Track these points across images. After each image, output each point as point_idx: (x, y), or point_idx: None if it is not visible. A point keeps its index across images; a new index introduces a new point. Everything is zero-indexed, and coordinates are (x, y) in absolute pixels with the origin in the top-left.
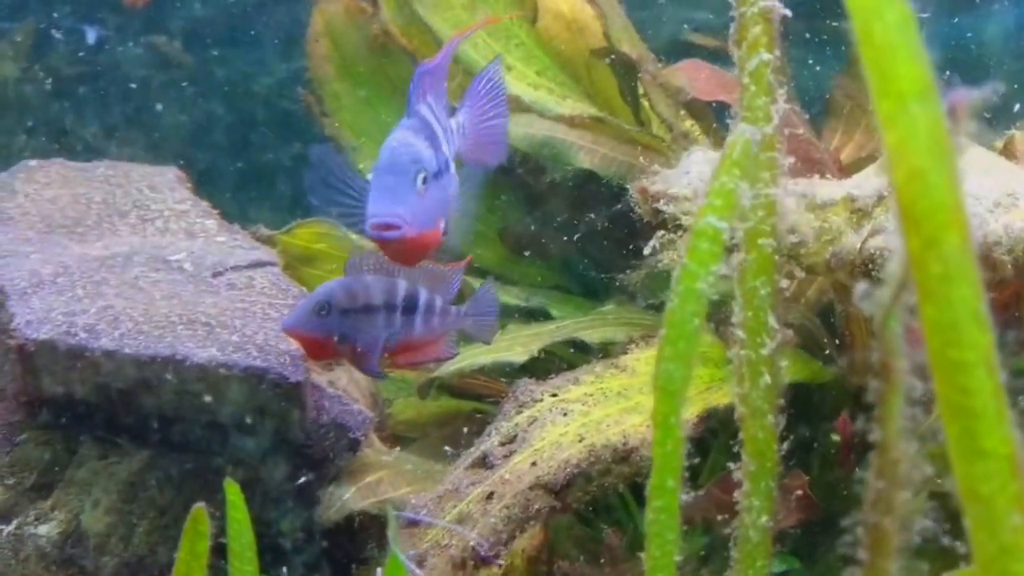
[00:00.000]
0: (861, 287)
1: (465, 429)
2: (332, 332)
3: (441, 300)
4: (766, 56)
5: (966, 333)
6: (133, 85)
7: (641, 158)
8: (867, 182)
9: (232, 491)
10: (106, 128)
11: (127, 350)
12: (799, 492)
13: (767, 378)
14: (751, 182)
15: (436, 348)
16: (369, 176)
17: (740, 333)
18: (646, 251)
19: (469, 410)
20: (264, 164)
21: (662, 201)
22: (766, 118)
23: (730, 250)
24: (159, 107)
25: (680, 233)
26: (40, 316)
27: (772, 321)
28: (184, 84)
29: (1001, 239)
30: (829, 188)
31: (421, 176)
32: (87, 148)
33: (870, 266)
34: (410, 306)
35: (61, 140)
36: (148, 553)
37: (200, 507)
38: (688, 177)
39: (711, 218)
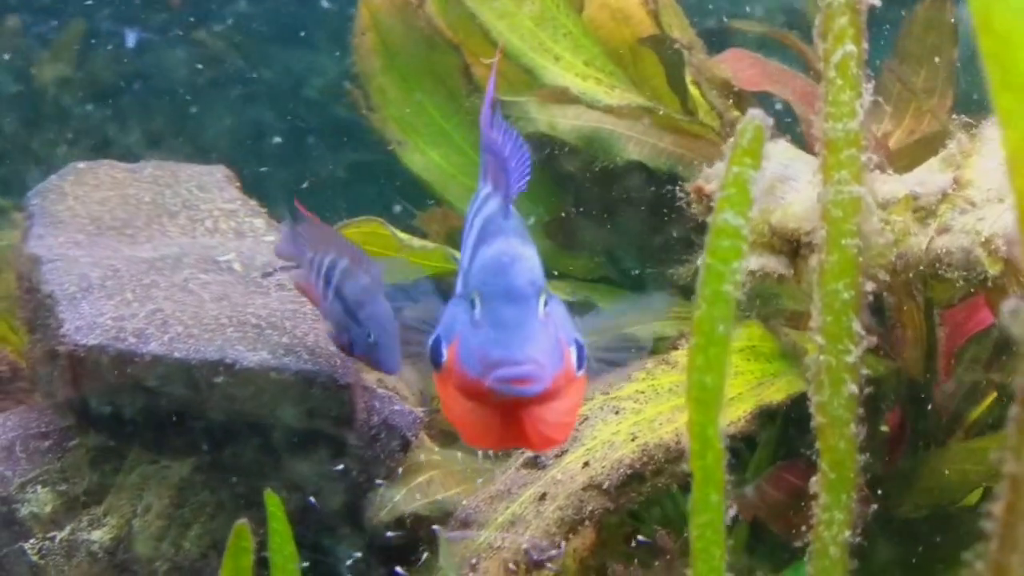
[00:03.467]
0: (1010, 303)
1: None
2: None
3: None
4: (852, 48)
5: None
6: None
7: (690, 148)
8: (930, 177)
9: (272, 502)
10: (149, 134)
11: (177, 354)
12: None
13: (851, 386)
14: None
15: None
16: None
17: (819, 339)
18: (699, 261)
19: None
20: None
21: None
22: (851, 113)
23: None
24: (204, 110)
25: None
26: (89, 322)
27: (856, 326)
28: (231, 85)
29: None
30: (890, 185)
31: (543, 300)
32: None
33: (937, 267)
34: None
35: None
36: (199, 557)
37: (243, 523)
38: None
39: (728, 214)
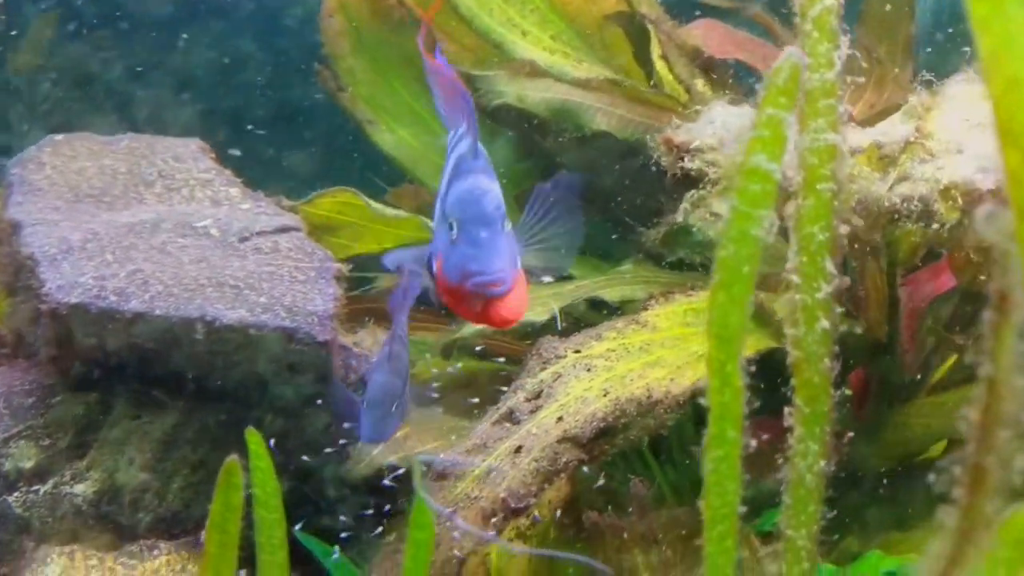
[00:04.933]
0: (985, 208)
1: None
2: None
3: None
4: (830, 2)
5: None
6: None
7: (657, 119)
8: (893, 129)
9: (254, 440)
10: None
11: (157, 312)
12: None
13: (824, 323)
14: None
15: None
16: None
17: (795, 278)
18: (679, 216)
19: (491, 371)
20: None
21: (686, 158)
22: (828, 64)
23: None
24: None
25: (711, 188)
26: (71, 281)
27: (829, 266)
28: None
29: None
30: (855, 135)
31: (508, 225)
32: None
33: (896, 215)
34: None
35: None
36: (183, 508)
37: (233, 459)
38: (712, 127)
39: (760, 157)
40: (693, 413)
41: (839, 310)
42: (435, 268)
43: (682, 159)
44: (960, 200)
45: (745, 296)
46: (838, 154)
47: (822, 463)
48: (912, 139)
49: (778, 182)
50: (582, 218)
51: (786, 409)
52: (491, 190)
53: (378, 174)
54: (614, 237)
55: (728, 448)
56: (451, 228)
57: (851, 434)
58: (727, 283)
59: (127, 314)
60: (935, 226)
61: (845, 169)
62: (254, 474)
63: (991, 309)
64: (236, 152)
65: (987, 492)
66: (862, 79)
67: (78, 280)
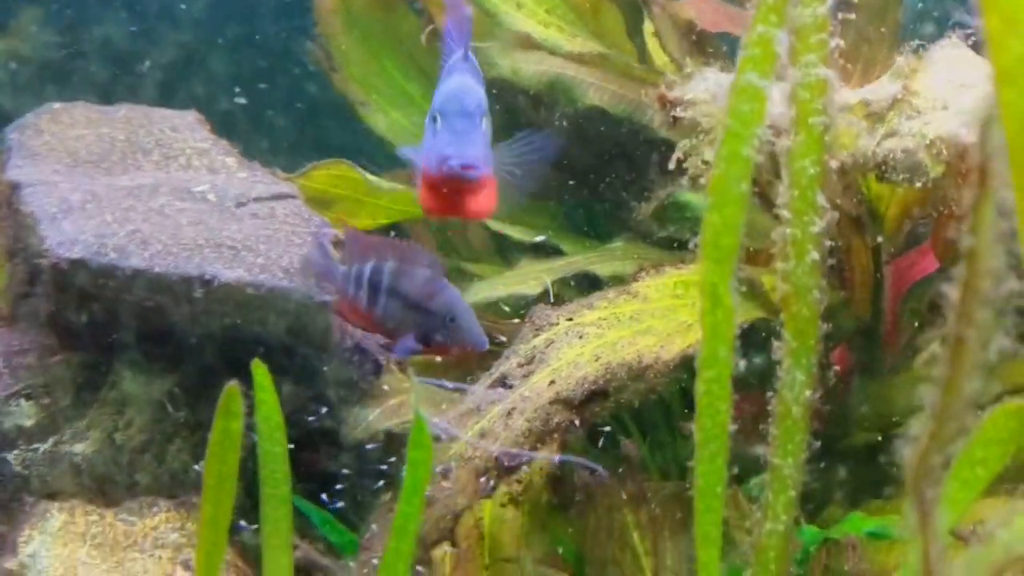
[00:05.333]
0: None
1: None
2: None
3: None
4: None
5: None
6: None
7: (648, 95)
8: (881, 88)
9: (259, 372)
10: None
11: (157, 269)
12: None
13: (814, 255)
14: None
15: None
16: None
17: (786, 213)
18: (671, 163)
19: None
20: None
21: (679, 108)
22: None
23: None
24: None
25: (703, 137)
26: (71, 238)
27: (820, 200)
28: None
29: None
30: (844, 94)
31: (486, 121)
32: None
33: (883, 168)
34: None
35: None
36: (181, 470)
37: (233, 385)
38: (706, 83)
39: (751, 75)
40: (680, 395)
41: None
42: (420, 164)
43: (674, 111)
44: (945, 153)
45: (737, 218)
46: (829, 88)
47: (808, 393)
48: (899, 97)
49: (766, 100)
50: (548, 163)
51: (775, 342)
52: (474, 89)
53: (371, 157)
54: (605, 217)
55: (720, 368)
56: (434, 121)
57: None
58: (719, 205)
59: (127, 271)
60: (921, 180)
61: (836, 103)
62: (259, 408)
63: (974, 187)
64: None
65: (967, 368)
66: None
67: (79, 237)
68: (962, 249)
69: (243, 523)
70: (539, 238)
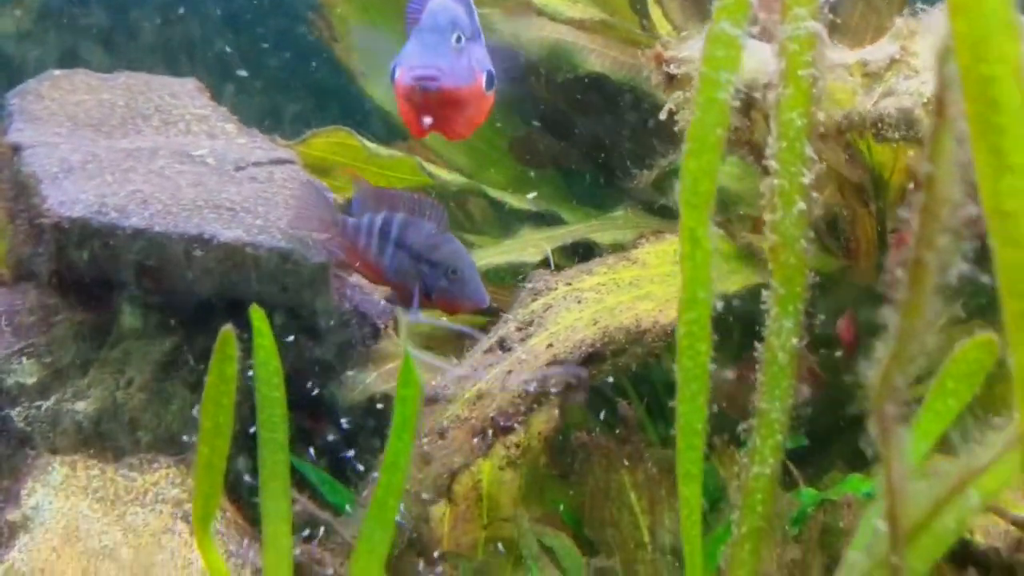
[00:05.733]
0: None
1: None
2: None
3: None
4: None
5: (996, 46)
6: None
7: (645, 56)
8: (879, 48)
9: (257, 317)
10: None
11: (157, 228)
12: (807, 368)
13: (800, 205)
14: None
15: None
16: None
17: (774, 164)
18: (662, 114)
19: (483, 324)
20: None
21: (673, 65)
22: None
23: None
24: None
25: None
26: (72, 197)
27: (808, 151)
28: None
29: None
30: (842, 54)
31: (457, 35)
32: None
33: (880, 126)
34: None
35: None
36: (181, 430)
37: (228, 329)
38: (701, 41)
39: (725, 23)
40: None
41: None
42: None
43: (669, 68)
44: None
45: (713, 164)
46: (819, 42)
47: (794, 340)
48: (897, 57)
49: (741, 47)
50: (515, 77)
51: (763, 292)
52: (451, 7)
53: (371, 128)
54: (606, 187)
55: (700, 310)
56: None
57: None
58: (696, 151)
59: (127, 230)
60: (915, 134)
61: (829, 61)
62: (257, 353)
63: (934, 116)
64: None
65: (927, 291)
66: None
67: (79, 197)
68: (921, 176)
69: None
70: (531, 195)
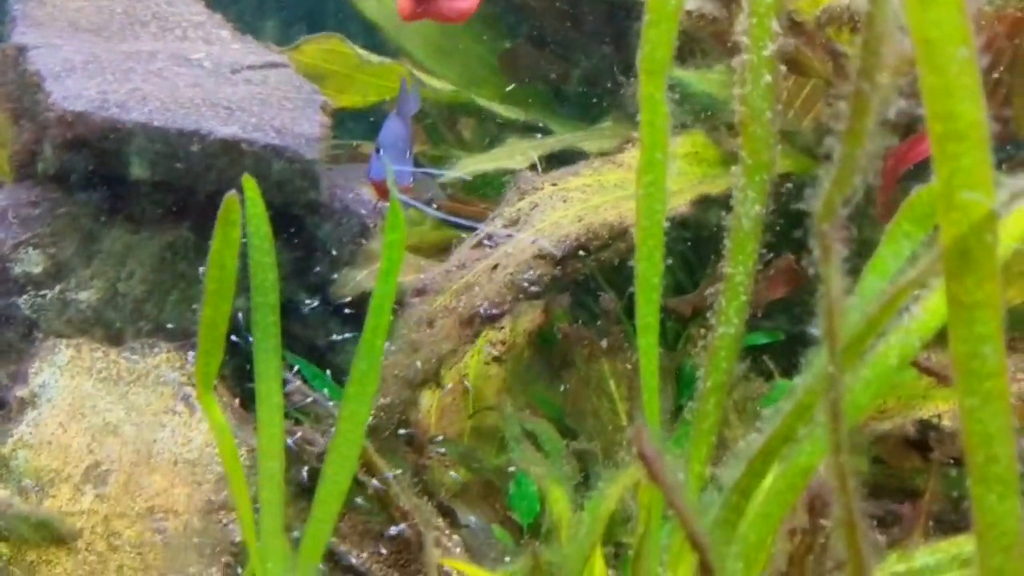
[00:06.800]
0: None
1: None
2: None
3: None
4: None
5: None
6: None
7: None
8: None
9: (249, 186)
10: None
11: (156, 123)
12: (787, 265)
13: (767, 78)
14: None
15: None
16: None
17: (744, 40)
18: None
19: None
20: None
21: None
22: None
23: None
24: None
25: None
26: (76, 93)
27: (775, 26)
28: None
29: None
30: None
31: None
32: None
33: (856, 18)
34: None
35: None
36: (179, 320)
37: (232, 195)
38: None
39: None
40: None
41: None
42: None
43: None
44: None
45: (671, 32)
46: None
47: (758, 208)
48: None
49: None
50: None
51: (732, 168)
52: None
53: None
54: (594, 99)
55: (657, 172)
56: None
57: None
58: (655, 21)
59: (128, 124)
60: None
61: None
62: (250, 221)
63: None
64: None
65: (868, 123)
66: None
67: (82, 93)
68: (863, 16)
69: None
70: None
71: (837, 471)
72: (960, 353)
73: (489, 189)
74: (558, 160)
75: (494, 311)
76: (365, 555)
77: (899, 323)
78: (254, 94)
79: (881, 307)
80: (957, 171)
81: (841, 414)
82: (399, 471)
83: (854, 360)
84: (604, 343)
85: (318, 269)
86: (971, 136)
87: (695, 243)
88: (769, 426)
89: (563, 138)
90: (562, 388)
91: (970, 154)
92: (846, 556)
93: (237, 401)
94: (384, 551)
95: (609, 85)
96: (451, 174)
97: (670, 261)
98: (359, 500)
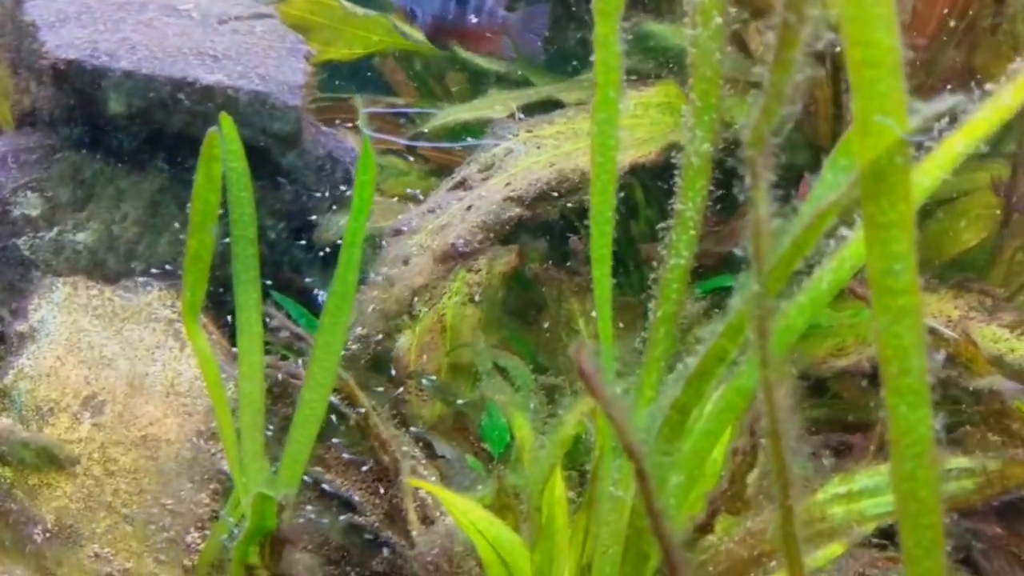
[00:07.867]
0: None
1: None
2: None
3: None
4: None
5: None
6: None
7: None
8: None
9: (227, 124)
10: None
11: (144, 71)
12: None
13: (717, 20)
14: None
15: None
16: None
17: None
18: None
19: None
20: None
21: None
22: None
23: None
24: None
25: None
26: (67, 42)
27: None
28: None
29: None
30: None
31: None
32: None
33: None
34: None
35: None
36: (171, 260)
37: (213, 131)
38: None
39: None
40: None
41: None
42: None
43: None
44: None
45: None
46: None
47: (707, 146)
48: None
49: None
50: None
51: (683, 107)
52: None
53: None
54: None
55: (610, 110)
56: None
57: None
58: None
59: (117, 72)
60: None
61: None
62: (228, 158)
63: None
64: None
65: (793, 52)
66: None
67: (74, 42)
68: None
69: None
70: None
71: (764, 385)
72: (876, 270)
73: (471, 137)
74: (539, 110)
75: (467, 249)
76: (348, 483)
77: (832, 251)
78: (240, 43)
79: (805, 228)
80: (872, 96)
81: (767, 331)
82: (379, 404)
83: (782, 281)
84: (573, 283)
85: (313, 217)
86: (885, 63)
87: (669, 191)
88: (704, 347)
89: (542, 89)
90: (534, 327)
91: (885, 80)
92: (772, 465)
93: (226, 341)
94: (365, 480)
95: (587, 38)
96: (431, 123)
97: (650, 212)
98: (342, 430)
